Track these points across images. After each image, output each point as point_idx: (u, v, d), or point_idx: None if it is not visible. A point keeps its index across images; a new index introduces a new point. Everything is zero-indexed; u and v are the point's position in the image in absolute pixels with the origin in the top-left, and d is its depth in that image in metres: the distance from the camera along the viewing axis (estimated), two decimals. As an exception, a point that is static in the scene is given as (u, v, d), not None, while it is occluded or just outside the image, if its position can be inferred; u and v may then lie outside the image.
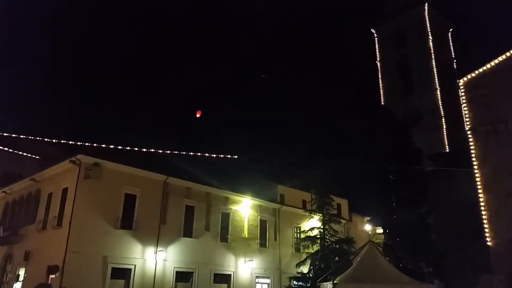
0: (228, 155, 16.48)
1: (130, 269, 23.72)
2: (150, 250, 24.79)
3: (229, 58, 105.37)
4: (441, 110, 38.17)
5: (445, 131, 37.46)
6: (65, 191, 23.60)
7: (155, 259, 24.82)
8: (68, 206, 22.67)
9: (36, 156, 35.93)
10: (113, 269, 22.84)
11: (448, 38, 44.26)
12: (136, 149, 18.44)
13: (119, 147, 18.68)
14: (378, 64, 43.80)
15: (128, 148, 18.52)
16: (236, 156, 16.71)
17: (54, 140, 20.92)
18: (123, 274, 23.43)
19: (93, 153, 22.87)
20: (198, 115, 28.47)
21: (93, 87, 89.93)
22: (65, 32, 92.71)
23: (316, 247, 27.08)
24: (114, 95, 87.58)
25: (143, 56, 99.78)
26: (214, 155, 16.78)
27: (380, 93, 42.37)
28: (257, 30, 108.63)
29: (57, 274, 21.20)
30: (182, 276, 26.29)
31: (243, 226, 30.75)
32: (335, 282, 10.91)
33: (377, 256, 12.47)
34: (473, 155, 17.98)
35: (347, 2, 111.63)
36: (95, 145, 17.56)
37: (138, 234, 24.41)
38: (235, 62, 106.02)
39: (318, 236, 26.31)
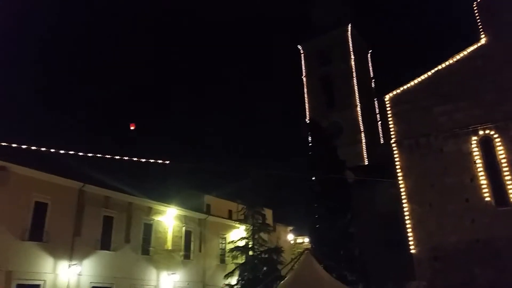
0: (159, 160, 15.41)
1: (39, 285, 21.35)
2: (63, 264, 22.58)
3: (155, 66, 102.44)
4: (361, 125, 40.25)
5: (364, 145, 39.49)
6: (-38, 198, 20.61)
7: (68, 273, 22.63)
8: (-35, 215, 19.78)
9: None
10: (19, 285, 20.36)
11: (368, 58, 47.18)
12: (48, 150, 16.20)
13: (31, 148, 16.32)
14: (304, 79, 45.21)
15: (41, 149, 16.19)
16: (168, 162, 15.69)
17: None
18: (30, 291, 20.99)
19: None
20: (132, 128, 27.14)
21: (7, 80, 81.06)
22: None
23: (244, 258, 26.66)
24: (34, 91, 79.66)
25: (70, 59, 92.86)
26: (144, 160, 15.57)
27: (305, 106, 43.65)
28: (186, 38, 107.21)
29: None
30: (98, 292, 24.30)
31: (167, 238, 29.39)
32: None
33: (314, 265, 12.29)
34: (398, 167, 18.92)
35: (275, 19, 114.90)
36: (2, 144, 15.30)
37: (49, 247, 22.12)
38: (161, 70, 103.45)
39: (249, 245, 25.93)
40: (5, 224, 20.38)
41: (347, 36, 43.29)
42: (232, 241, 28.60)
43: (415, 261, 17.29)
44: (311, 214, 26.54)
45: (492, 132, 17.63)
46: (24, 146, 15.62)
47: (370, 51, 47.58)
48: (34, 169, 22.09)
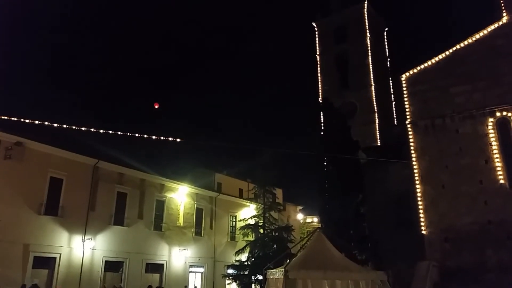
0: (170, 137, 15.48)
1: (55, 258, 21.91)
2: (77, 238, 23.10)
3: (170, 47, 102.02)
4: (375, 105, 39.70)
5: (377, 126, 39.04)
6: (-20, 172, 21.03)
7: (83, 247, 23.20)
8: (-17, 189, 20.22)
9: None
10: (36, 258, 20.94)
11: (384, 37, 46.15)
12: (63, 126, 16.24)
13: (46, 124, 16.35)
14: (318, 57, 44.52)
15: (54, 125, 16.22)
16: (179, 139, 15.76)
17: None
18: (46, 263, 21.61)
19: (15, 130, 20.65)
20: (156, 107, 27.14)
21: (20, 55, 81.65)
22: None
23: (254, 235, 26.96)
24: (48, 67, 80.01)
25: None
26: (155, 137, 15.64)
27: (318, 86, 43.11)
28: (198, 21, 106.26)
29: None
30: (111, 266, 24.94)
31: (179, 214, 29.81)
32: (286, 269, 10.56)
33: (326, 243, 12.35)
34: (412, 148, 18.74)
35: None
36: (15, 119, 15.39)
37: (64, 221, 22.60)
38: (175, 49, 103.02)
39: (259, 224, 26.19)
40: (22, 199, 20.83)
41: (363, 13, 42.27)
42: (242, 219, 28.86)
43: (426, 242, 17.32)
44: (322, 194, 26.57)
45: (509, 114, 17.29)
46: (37, 122, 15.76)
47: (386, 29, 46.55)
48: (49, 145, 22.41)
